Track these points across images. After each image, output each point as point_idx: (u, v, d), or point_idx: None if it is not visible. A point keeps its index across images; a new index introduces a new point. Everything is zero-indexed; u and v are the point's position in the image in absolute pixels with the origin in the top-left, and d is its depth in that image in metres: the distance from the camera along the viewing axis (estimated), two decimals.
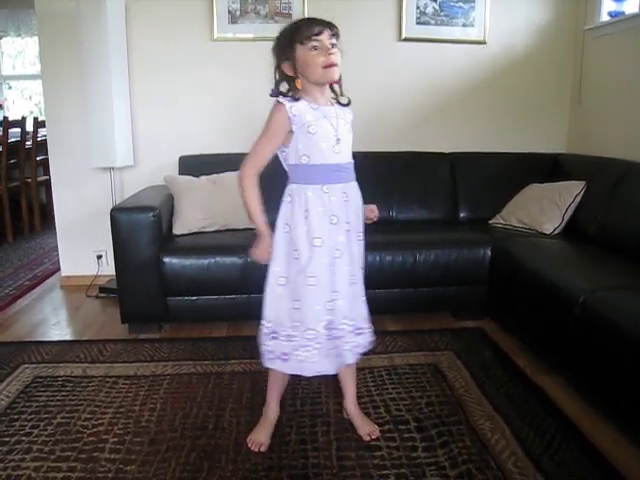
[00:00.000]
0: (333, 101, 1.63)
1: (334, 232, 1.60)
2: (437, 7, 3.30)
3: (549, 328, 2.16)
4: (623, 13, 3.02)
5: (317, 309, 1.61)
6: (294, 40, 1.50)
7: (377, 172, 3.09)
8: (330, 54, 1.49)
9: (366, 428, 1.80)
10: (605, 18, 3.17)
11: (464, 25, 3.34)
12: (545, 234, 2.80)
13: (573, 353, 1.98)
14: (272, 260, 1.63)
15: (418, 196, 3.18)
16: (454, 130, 3.48)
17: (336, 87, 1.62)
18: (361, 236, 1.69)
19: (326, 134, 1.56)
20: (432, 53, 3.37)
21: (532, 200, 2.97)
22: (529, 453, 1.68)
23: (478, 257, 2.67)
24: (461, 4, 3.31)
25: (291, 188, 1.61)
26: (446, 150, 3.34)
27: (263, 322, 1.67)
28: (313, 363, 1.65)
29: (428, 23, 3.32)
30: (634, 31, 2.91)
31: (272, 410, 1.82)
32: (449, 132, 3.48)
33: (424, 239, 2.73)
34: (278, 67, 1.56)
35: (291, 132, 1.55)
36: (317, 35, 1.48)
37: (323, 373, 1.70)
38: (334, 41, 1.51)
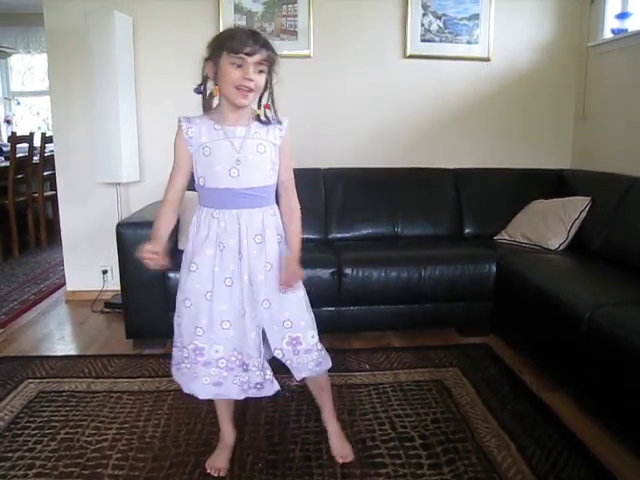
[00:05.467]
0: (252, 119, 1.50)
1: (224, 259, 1.50)
2: (442, 24, 3.33)
3: (555, 344, 2.15)
4: (626, 30, 3.04)
5: (190, 331, 1.55)
6: (223, 46, 1.40)
7: (382, 188, 3.10)
8: (246, 78, 1.39)
9: (340, 450, 1.74)
10: (608, 35, 3.20)
11: (468, 42, 3.37)
12: (550, 250, 2.79)
13: (579, 369, 1.97)
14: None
15: (423, 212, 3.19)
16: (459, 146, 3.50)
17: (268, 112, 1.50)
18: (270, 266, 1.54)
19: (222, 156, 1.45)
20: (436, 70, 3.40)
21: (537, 216, 2.98)
22: (536, 471, 1.66)
23: (483, 273, 2.66)
24: (465, 21, 3.35)
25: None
26: (451, 166, 3.35)
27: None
28: (181, 382, 1.63)
29: (433, 40, 3.35)
30: (637, 48, 2.93)
31: (225, 434, 1.78)
32: (454, 148, 3.49)
33: (429, 255, 2.73)
34: (205, 61, 1.46)
35: (190, 153, 1.49)
36: (246, 55, 1.38)
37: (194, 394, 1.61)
38: (263, 67, 1.42)
